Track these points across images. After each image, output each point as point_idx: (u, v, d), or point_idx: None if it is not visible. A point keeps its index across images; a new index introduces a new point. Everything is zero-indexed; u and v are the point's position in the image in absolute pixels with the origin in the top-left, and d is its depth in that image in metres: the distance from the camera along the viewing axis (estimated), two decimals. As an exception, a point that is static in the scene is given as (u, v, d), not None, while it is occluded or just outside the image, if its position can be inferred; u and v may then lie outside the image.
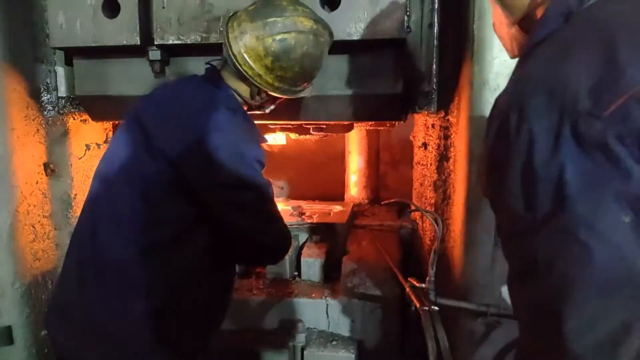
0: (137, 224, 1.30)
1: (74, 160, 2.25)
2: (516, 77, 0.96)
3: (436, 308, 1.56)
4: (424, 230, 2.55)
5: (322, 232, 2.53)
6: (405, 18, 1.74)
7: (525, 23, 1.05)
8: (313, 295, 2.18)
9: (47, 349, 2.06)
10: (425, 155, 2.57)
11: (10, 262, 1.93)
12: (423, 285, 1.65)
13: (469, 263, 1.65)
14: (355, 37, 1.73)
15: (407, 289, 1.70)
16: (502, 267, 1.10)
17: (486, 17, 1.50)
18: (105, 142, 2.44)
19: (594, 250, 0.75)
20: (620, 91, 0.76)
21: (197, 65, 1.91)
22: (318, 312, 2.13)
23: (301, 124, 2.29)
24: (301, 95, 1.54)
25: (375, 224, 2.78)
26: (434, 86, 1.91)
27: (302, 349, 2.00)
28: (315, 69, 1.49)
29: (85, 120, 2.26)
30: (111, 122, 2.41)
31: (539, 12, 1.00)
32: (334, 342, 2.05)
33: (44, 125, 2.07)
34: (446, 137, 1.99)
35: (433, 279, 1.65)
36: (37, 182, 2.04)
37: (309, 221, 2.59)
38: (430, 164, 2.34)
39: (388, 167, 4.04)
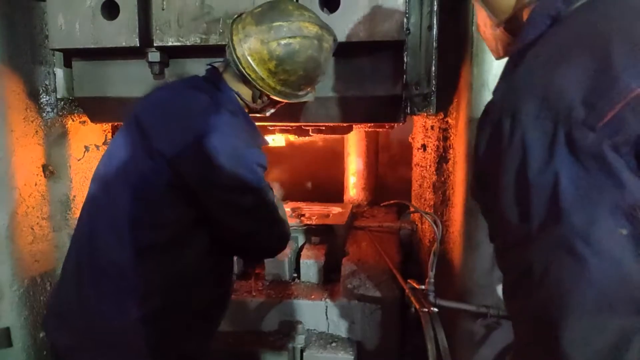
0: (136, 226, 1.30)
1: (73, 161, 2.24)
2: (507, 83, 0.94)
3: (436, 309, 1.56)
4: (424, 231, 2.55)
5: (321, 233, 2.53)
6: (405, 20, 1.74)
7: (510, 25, 1.04)
8: (312, 296, 2.17)
9: (46, 351, 2.05)
10: (424, 157, 2.58)
11: (9, 264, 1.93)
12: (423, 286, 1.65)
13: (468, 264, 1.66)
14: (354, 39, 1.74)
15: (407, 291, 1.70)
16: (502, 268, 1.10)
17: (485, 19, 1.50)
18: (104, 143, 2.44)
19: (590, 262, 0.75)
20: (615, 99, 0.74)
21: (196, 67, 1.91)
22: (317, 313, 2.13)
23: (300, 126, 2.30)
24: (303, 100, 1.54)
25: (375, 226, 2.78)
26: (433, 88, 1.91)
27: (302, 351, 2.00)
28: (318, 74, 1.49)
29: (84, 121, 2.26)
30: (110, 124, 2.41)
31: (525, 14, 0.99)
32: (334, 344, 2.05)
33: (42, 127, 2.07)
34: (445, 138, 1.99)
35: (432, 280, 1.65)
36: (36, 184, 2.04)
37: (308, 223, 2.59)
38: (430, 166, 2.35)
39: (387, 168, 4.05)
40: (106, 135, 2.46)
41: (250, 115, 1.52)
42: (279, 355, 2.03)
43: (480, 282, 1.61)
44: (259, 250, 1.48)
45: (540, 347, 0.83)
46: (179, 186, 1.29)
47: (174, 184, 1.29)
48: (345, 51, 1.81)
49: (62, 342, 1.37)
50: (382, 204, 2.84)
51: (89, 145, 2.34)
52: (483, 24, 1.14)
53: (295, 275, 2.39)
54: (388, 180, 4.00)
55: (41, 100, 2.08)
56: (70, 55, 2.07)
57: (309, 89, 1.53)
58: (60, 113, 2.15)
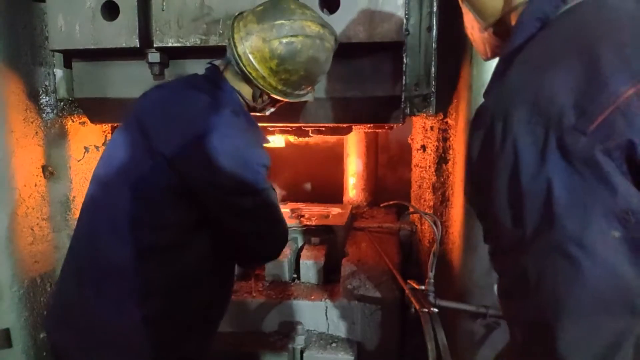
0: (136, 227, 1.29)
1: (73, 162, 2.24)
2: (498, 87, 0.94)
3: (436, 310, 1.57)
4: (423, 232, 2.55)
5: (321, 234, 2.53)
6: (404, 21, 1.75)
7: (498, 28, 1.04)
8: (312, 297, 2.18)
9: (46, 352, 2.05)
10: (423, 158, 2.58)
11: (9, 265, 1.92)
12: (422, 287, 1.66)
13: (468, 265, 1.66)
14: (354, 40, 1.74)
15: (407, 291, 1.70)
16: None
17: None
18: (104, 144, 2.44)
19: (584, 266, 0.75)
20: (605, 103, 0.74)
21: (196, 68, 1.90)
22: (317, 314, 2.13)
23: (300, 126, 2.30)
24: (303, 99, 1.53)
25: (374, 226, 2.79)
26: (433, 89, 1.91)
27: (302, 352, 2.00)
28: (319, 74, 1.48)
29: (84, 122, 2.26)
30: (110, 125, 2.41)
31: (513, 18, 0.99)
32: (334, 344, 2.05)
33: (42, 128, 2.07)
34: (445, 139, 2.00)
35: (432, 280, 1.65)
36: (35, 185, 2.04)
37: (307, 223, 2.59)
38: (429, 166, 2.35)
39: (386, 169, 4.05)
40: (106, 136, 2.47)
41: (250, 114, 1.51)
42: (279, 356, 2.03)
43: (479, 283, 1.62)
44: (261, 251, 1.47)
45: (536, 348, 0.84)
46: (180, 187, 1.28)
47: (175, 185, 1.28)
48: (344, 52, 1.81)
49: (63, 343, 1.37)
50: (381, 205, 2.84)
51: (88, 146, 2.34)
52: (470, 26, 1.15)
53: (295, 276, 2.39)
54: (387, 181, 4.00)
55: (41, 101, 2.08)
56: (70, 56, 2.07)
57: (309, 89, 1.52)
58: (60, 114, 2.15)
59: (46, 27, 2.00)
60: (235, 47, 1.38)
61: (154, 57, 1.88)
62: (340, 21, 1.72)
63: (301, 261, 2.35)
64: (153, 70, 1.92)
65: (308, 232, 2.55)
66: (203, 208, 1.32)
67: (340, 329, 2.12)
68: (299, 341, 1.99)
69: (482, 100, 1.54)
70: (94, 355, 1.33)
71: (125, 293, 1.30)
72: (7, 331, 1.94)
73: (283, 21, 1.36)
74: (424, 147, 2.55)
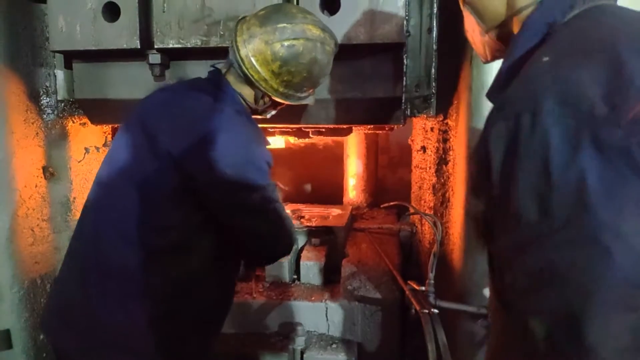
0: (141, 229, 1.30)
1: (73, 163, 2.25)
2: (520, 83, 0.93)
3: (436, 311, 1.56)
4: (423, 233, 2.56)
5: (321, 235, 2.53)
6: (405, 22, 1.75)
7: (499, 31, 1.05)
8: (313, 298, 2.18)
9: (46, 353, 2.05)
10: (424, 159, 2.58)
11: (9, 266, 1.92)
12: (423, 288, 1.66)
13: (468, 266, 1.66)
14: (354, 41, 1.74)
15: (407, 292, 1.70)
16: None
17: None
18: (104, 145, 2.44)
19: (616, 255, 0.74)
20: (635, 98, 0.75)
21: (197, 69, 1.92)
22: (318, 315, 2.13)
23: (300, 128, 2.30)
24: (304, 102, 1.55)
25: (375, 227, 2.79)
26: (433, 90, 1.92)
27: (302, 352, 2.00)
28: (320, 76, 1.50)
29: (84, 123, 2.27)
30: (110, 126, 2.41)
31: (515, 22, 1.01)
32: (334, 345, 2.05)
33: (43, 129, 2.07)
34: (445, 140, 2.00)
35: (433, 281, 1.65)
36: (36, 186, 2.04)
37: (308, 224, 2.60)
38: (429, 168, 2.35)
39: (386, 170, 4.06)
40: (106, 137, 2.47)
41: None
42: (279, 357, 2.03)
43: (480, 283, 1.62)
44: (268, 250, 1.47)
45: (562, 342, 0.82)
46: (185, 188, 1.29)
47: (180, 186, 1.29)
48: (345, 53, 1.81)
49: (64, 343, 1.37)
50: (381, 206, 2.84)
51: (89, 147, 2.34)
52: (471, 29, 1.16)
53: (296, 276, 2.39)
54: (388, 182, 4.01)
55: (42, 102, 2.08)
56: (70, 57, 2.08)
57: (310, 91, 1.54)
58: (61, 115, 2.15)
59: (47, 28, 2.01)
60: (238, 49, 1.40)
61: (154, 58, 1.89)
62: (341, 22, 1.72)
63: (301, 262, 2.35)
64: (154, 71, 1.92)
65: (308, 233, 2.56)
66: (209, 209, 1.32)
67: (340, 329, 2.12)
68: (299, 342, 1.99)
69: (482, 101, 1.55)
70: (94, 356, 1.32)
71: (129, 294, 1.30)
72: (7, 332, 1.94)
73: (285, 24, 1.38)
74: (424, 148, 2.56)
